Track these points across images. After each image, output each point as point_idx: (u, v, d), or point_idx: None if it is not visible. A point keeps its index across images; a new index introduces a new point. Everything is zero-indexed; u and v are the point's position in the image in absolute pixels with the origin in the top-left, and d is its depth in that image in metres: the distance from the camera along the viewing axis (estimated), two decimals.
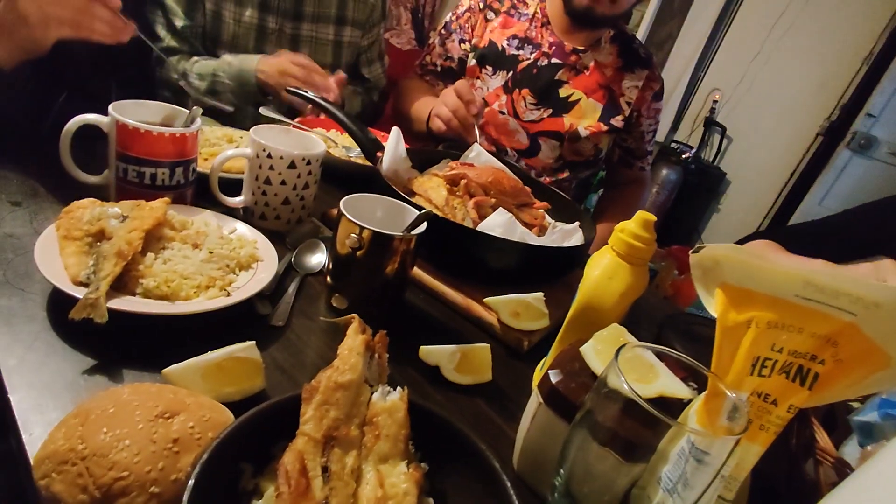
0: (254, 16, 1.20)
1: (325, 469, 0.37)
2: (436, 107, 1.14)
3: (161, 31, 1.15)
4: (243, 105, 1.21)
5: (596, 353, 0.47)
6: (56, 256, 0.55)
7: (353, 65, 1.40)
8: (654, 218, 0.53)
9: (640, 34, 3.44)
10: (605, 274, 0.55)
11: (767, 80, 3.38)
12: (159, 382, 0.44)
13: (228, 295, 0.59)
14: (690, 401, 0.41)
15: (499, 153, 1.32)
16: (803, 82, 3.26)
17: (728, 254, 0.42)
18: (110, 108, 0.67)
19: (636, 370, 0.42)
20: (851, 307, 0.40)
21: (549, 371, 0.47)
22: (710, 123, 3.55)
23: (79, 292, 0.50)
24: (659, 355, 0.42)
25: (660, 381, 0.42)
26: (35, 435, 0.40)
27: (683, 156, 3.52)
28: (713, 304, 0.41)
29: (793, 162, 3.36)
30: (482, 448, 0.41)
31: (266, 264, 0.65)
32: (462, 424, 0.43)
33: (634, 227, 0.53)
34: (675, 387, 0.42)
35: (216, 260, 0.61)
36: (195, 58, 1.17)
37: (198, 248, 0.62)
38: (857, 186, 3.14)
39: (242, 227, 0.71)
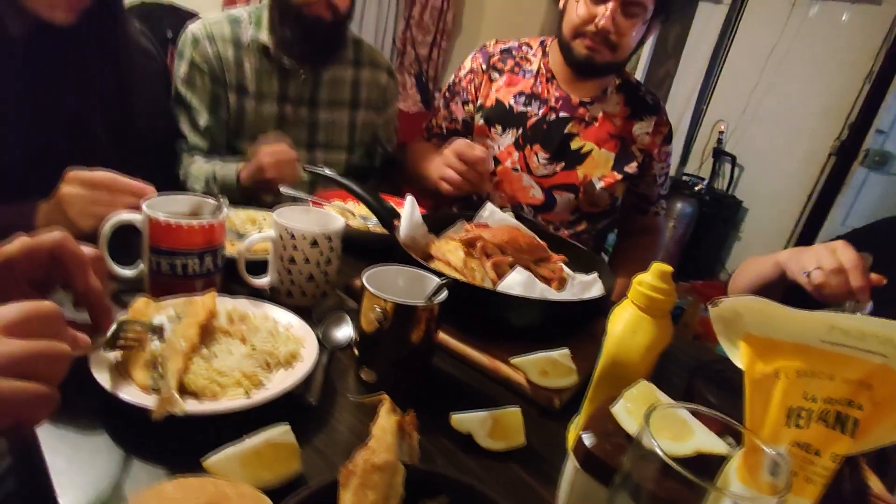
0: (273, 107, 1.28)
1: None
2: (439, 170, 1.13)
3: (185, 129, 1.23)
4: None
5: (627, 412, 0.46)
6: (101, 356, 0.57)
7: (367, 144, 1.45)
8: (671, 269, 0.54)
9: (638, 75, 3.53)
10: (628, 328, 0.55)
11: (771, 107, 3.41)
12: (200, 473, 0.45)
13: (264, 386, 0.59)
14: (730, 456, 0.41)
15: (514, 209, 1.30)
16: (807, 105, 3.28)
17: (748, 304, 0.42)
18: (143, 205, 0.71)
19: (670, 428, 0.42)
20: (881, 348, 0.39)
21: (583, 434, 0.47)
22: (719, 154, 3.56)
23: (129, 395, 0.52)
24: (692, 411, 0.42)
25: (695, 437, 0.42)
26: None
27: (696, 188, 3.52)
28: (738, 357, 0.41)
29: (808, 184, 3.34)
30: None
31: (304, 364, 0.63)
32: (496, 495, 0.43)
33: (652, 280, 0.54)
34: (711, 443, 0.41)
35: (256, 356, 0.61)
36: (198, 161, 1.21)
37: (244, 342, 0.63)
38: (879, 203, 3.09)
39: (294, 320, 0.71)
